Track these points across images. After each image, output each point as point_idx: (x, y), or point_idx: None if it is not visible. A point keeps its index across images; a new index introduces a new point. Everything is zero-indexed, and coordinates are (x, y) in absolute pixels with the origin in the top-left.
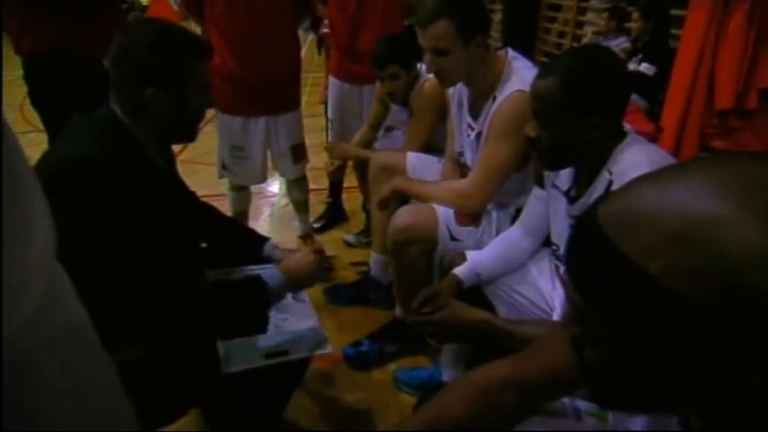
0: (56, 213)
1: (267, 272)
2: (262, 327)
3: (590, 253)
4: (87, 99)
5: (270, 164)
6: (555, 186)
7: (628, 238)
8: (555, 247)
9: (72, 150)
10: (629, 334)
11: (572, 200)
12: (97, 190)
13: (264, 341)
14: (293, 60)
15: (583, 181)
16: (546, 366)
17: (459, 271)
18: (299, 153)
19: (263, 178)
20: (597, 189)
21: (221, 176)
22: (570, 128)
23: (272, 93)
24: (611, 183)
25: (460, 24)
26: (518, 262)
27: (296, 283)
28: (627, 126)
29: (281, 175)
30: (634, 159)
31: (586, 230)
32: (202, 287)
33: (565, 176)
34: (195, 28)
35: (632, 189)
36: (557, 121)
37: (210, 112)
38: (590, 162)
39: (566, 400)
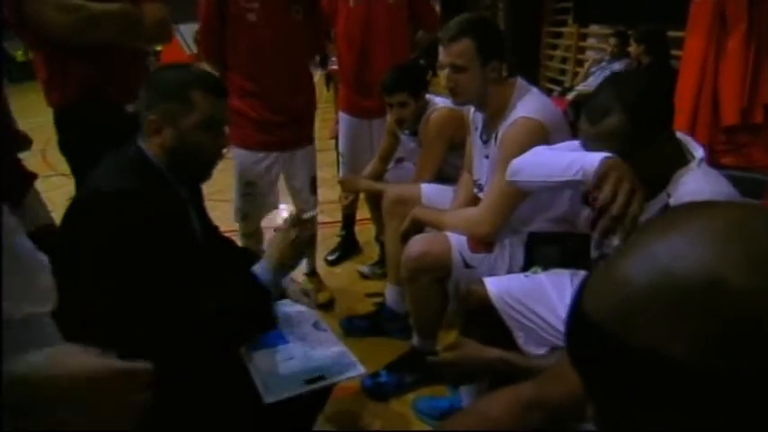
0: (82, 245)
1: (258, 269)
2: (270, 324)
3: (597, 356)
4: (113, 145)
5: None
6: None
7: (637, 331)
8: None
9: (101, 183)
10: (652, 415)
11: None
12: (121, 222)
13: (298, 370)
14: (310, 99)
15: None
16: (569, 391)
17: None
18: (314, 185)
19: (274, 206)
20: None
21: (237, 221)
22: None
23: (290, 131)
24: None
25: (480, 45)
26: None
27: (282, 265)
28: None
29: (303, 210)
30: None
31: (585, 333)
32: (213, 303)
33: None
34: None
35: (608, 276)
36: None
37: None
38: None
39: None
